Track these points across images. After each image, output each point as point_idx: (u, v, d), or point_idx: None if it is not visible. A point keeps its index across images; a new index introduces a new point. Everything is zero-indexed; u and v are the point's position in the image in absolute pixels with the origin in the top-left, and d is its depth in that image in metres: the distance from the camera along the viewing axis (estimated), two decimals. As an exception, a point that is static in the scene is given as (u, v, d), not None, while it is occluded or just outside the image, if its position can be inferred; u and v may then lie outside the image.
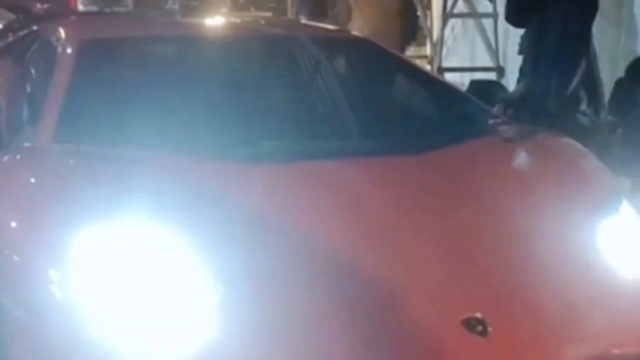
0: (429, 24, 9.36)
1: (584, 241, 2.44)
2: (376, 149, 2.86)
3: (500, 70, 8.67)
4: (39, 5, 12.26)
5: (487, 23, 8.91)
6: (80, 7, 20.03)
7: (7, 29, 5.39)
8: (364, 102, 3.36)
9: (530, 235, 2.43)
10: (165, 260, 2.20)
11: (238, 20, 4.41)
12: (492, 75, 8.71)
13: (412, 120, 3.31)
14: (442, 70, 8.67)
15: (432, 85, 3.62)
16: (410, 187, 2.64)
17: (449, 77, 8.88)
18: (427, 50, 9.49)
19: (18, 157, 2.80)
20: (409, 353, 2.05)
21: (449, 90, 3.60)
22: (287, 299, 2.15)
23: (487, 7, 8.79)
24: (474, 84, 3.83)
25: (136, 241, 2.23)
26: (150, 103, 2.96)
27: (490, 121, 3.25)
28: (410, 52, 9.61)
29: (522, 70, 6.84)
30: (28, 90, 3.37)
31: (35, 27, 4.24)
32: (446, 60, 9.29)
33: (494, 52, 8.79)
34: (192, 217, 2.32)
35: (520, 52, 7.01)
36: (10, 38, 4.73)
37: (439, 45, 9.00)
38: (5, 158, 2.82)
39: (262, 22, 4.38)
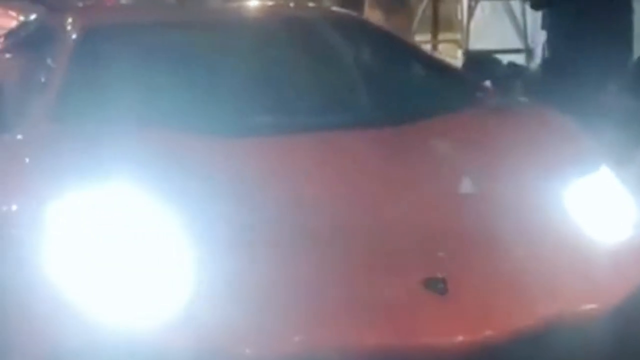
0: (458, 7, 9.41)
1: (554, 204, 2.51)
2: (359, 122, 2.94)
3: (529, 52, 8.70)
4: (81, 4, 12.64)
5: (516, 5, 8.93)
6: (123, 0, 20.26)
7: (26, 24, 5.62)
8: (353, 78, 3.49)
9: (500, 199, 2.52)
10: (140, 226, 2.28)
11: (244, 6, 4.55)
12: (521, 57, 8.75)
13: (402, 94, 3.37)
14: (470, 53, 8.71)
15: (424, 60, 3.73)
16: (388, 157, 2.73)
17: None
18: (457, 34, 9.53)
19: (17, 136, 2.93)
20: (372, 312, 2.15)
21: (439, 64, 3.72)
22: (262, 264, 2.25)
23: (515, -11, 8.84)
24: (470, 56, 3.91)
25: (114, 208, 2.31)
26: (143, 85, 3.07)
27: (478, 94, 3.33)
28: (440, 36, 9.69)
29: (544, 47, 6.87)
30: (34, 75, 3.47)
31: (45, 18, 4.41)
32: (476, 44, 9.34)
33: (522, 33, 8.83)
34: (176, 187, 2.41)
35: (543, 27, 7.07)
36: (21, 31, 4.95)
37: (467, 28, 9.06)
38: (5, 137, 2.96)
39: (269, 6, 4.49)
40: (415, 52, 3.81)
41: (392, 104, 3.16)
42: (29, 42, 4.05)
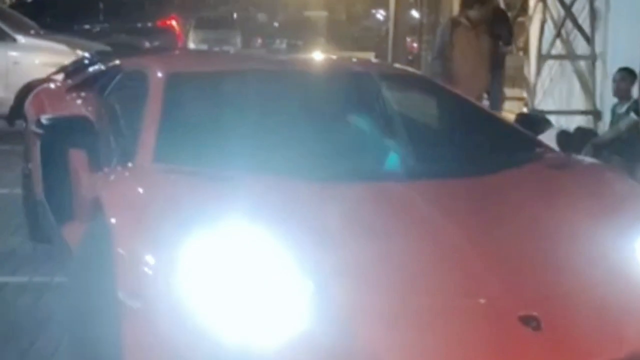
0: (525, 65, 9.29)
1: (623, 254, 2.76)
2: (434, 174, 3.20)
3: (597, 114, 8.48)
4: (147, 44, 12.92)
5: (585, 65, 8.75)
6: (192, 46, 20.75)
7: (77, 63, 5.72)
8: (420, 131, 3.78)
9: (576, 249, 2.78)
10: (261, 261, 2.55)
11: (314, 58, 4.76)
12: (588, 119, 8.55)
13: (466, 148, 3.61)
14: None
15: (485, 117, 3.98)
16: (467, 205, 3.01)
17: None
18: (524, 91, 9.39)
19: (126, 175, 3.16)
20: (475, 342, 2.39)
21: (500, 122, 4.01)
22: (368, 296, 2.50)
23: (584, 49, 8.66)
24: (521, 116, 4.25)
25: (237, 244, 2.58)
26: (232, 129, 3.33)
27: (537, 150, 3.60)
28: (507, 93, 9.54)
29: (613, 112, 6.71)
30: (121, 117, 3.72)
31: (117, 62, 4.57)
32: (543, 103, 9.16)
33: (591, 95, 8.62)
34: (282, 225, 2.70)
35: (615, 94, 6.89)
36: (83, 71, 5.04)
37: (534, 87, 8.91)
38: (112, 177, 3.17)
39: (339, 60, 4.76)
40: (478, 110, 4.09)
41: (463, 158, 3.46)
42: (106, 85, 4.26)
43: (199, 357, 2.39)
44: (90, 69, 5.02)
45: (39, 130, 3.49)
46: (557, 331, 2.38)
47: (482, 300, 2.48)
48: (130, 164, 3.17)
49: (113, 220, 2.80)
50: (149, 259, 2.59)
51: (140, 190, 2.98)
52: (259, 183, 2.92)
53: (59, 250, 3.95)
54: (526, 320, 2.39)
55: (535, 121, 4.04)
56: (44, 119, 3.50)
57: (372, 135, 3.60)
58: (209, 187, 2.86)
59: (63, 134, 3.46)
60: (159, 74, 3.69)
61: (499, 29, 7.31)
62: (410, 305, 2.47)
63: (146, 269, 2.58)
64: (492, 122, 3.87)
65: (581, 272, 2.64)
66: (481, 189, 3.10)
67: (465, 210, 2.94)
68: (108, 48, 8.23)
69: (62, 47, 8.79)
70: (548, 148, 3.62)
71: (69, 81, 5.06)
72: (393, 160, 3.37)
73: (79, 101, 4.42)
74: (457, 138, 3.78)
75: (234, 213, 2.67)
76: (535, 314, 2.41)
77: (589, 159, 3.93)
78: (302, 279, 2.49)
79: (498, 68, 7.46)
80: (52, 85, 5.28)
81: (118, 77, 4.22)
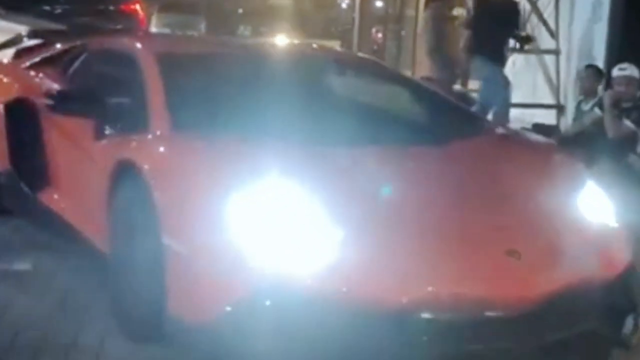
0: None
1: (569, 207, 3.51)
2: (410, 143, 3.77)
3: (560, 108, 8.55)
4: (111, 27, 12.69)
5: (549, 59, 8.81)
6: (154, 29, 20.45)
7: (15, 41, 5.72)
8: (374, 109, 4.36)
9: (534, 202, 3.45)
10: (296, 210, 3.06)
11: (280, 44, 5.42)
12: (552, 113, 8.61)
13: (428, 123, 4.27)
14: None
15: (436, 97, 4.54)
16: (448, 168, 3.65)
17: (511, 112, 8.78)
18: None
19: (155, 140, 3.51)
20: (475, 270, 3.04)
21: (452, 102, 4.59)
22: (383, 239, 3.08)
23: (549, 44, 8.72)
24: (458, 94, 5.14)
25: (276, 196, 3.07)
26: (227, 100, 3.83)
27: (486, 125, 4.36)
28: (471, 85, 9.58)
29: (577, 108, 6.76)
30: (115, 91, 3.96)
31: (89, 41, 4.76)
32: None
33: (555, 89, 8.68)
34: (311, 180, 3.20)
35: (581, 92, 6.94)
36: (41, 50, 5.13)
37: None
38: (137, 143, 3.52)
39: (303, 46, 5.49)
40: (433, 92, 4.66)
41: (423, 131, 4.11)
42: (72, 63, 4.61)
43: (242, 290, 2.86)
44: (55, 49, 5.02)
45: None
46: (533, 261, 3.12)
47: (476, 240, 3.15)
48: (150, 132, 3.52)
49: (156, 179, 3.21)
50: (198, 209, 3.06)
51: (177, 152, 3.39)
52: (282, 146, 3.38)
53: (31, 215, 4.34)
54: (510, 253, 3.10)
55: (463, 98, 5.10)
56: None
57: (347, 111, 4.13)
58: (238, 151, 3.30)
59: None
60: (150, 53, 4.08)
61: (510, 25, 7.60)
62: (420, 241, 3.08)
63: (194, 218, 3.05)
64: (446, 102, 4.50)
65: (544, 219, 3.35)
66: (451, 155, 3.74)
67: (451, 171, 3.61)
68: (62, 27, 8.08)
69: (24, 29, 8.59)
70: (494, 124, 4.51)
71: (25, 60, 5.04)
72: (377, 129, 3.87)
73: (44, 78, 4.62)
74: (423, 117, 4.43)
75: (268, 170, 3.17)
76: (516, 248, 3.12)
77: (525, 131, 4.73)
78: (330, 222, 3.03)
79: (493, 58, 7.77)
80: (4, 63, 5.32)
81: (84, 56, 4.56)
